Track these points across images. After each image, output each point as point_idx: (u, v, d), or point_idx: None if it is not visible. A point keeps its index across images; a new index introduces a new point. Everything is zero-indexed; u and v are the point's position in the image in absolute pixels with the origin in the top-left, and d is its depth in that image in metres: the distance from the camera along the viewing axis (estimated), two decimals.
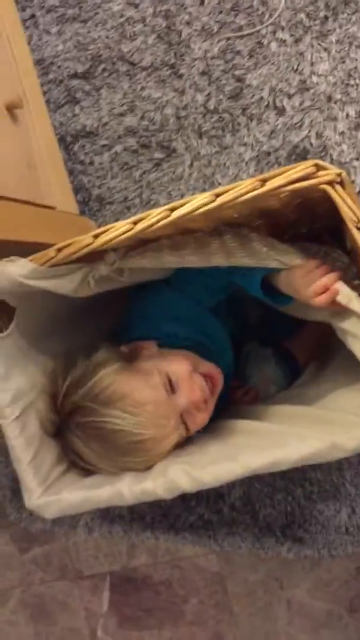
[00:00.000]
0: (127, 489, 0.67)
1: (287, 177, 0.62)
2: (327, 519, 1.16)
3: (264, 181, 0.63)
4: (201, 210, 0.64)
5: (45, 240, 1.00)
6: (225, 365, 0.87)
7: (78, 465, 0.77)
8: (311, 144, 1.12)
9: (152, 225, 0.66)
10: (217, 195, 0.64)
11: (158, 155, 1.19)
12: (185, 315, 0.88)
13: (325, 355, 0.99)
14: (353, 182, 1.10)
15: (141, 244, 0.79)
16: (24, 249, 0.91)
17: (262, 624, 1.23)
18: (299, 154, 1.12)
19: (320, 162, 0.62)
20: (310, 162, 0.62)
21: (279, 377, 1.01)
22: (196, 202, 0.64)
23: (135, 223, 0.67)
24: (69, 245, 0.69)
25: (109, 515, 1.24)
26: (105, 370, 0.78)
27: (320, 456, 0.62)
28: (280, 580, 1.22)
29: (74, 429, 0.76)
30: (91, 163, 1.23)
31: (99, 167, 1.23)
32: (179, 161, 1.19)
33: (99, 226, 1.21)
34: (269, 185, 0.63)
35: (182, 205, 0.65)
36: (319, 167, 0.62)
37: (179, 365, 0.81)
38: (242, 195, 0.63)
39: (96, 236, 0.68)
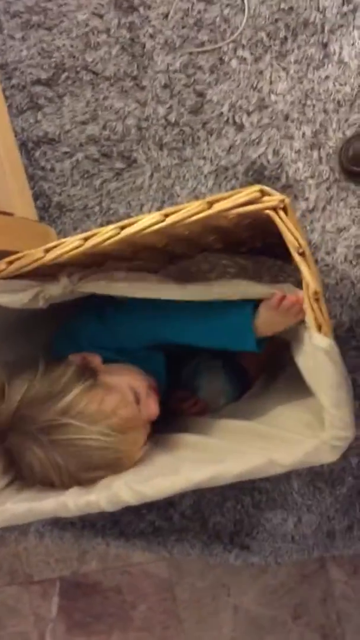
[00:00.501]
0: (71, 501, 0.68)
1: (233, 201, 0.64)
2: (274, 527, 1.19)
3: (211, 203, 0.65)
4: (150, 229, 0.66)
5: (1, 247, 1.01)
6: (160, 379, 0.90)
7: (29, 479, 0.77)
8: (268, 161, 1.14)
9: (102, 242, 0.67)
10: (167, 215, 0.66)
11: (119, 165, 1.20)
12: (111, 346, 0.88)
13: (276, 369, 1.01)
14: (307, 199, 1.13)
15: (97, 259, 0.80)
16: None
17: (209, 630, 1.26)
18: (256, 170, 1.15)
19: (265, 188, 0.64)
20: (255, 188, 0.64)
21: (229, 390, 1.03)
22: (146, 222, 0.66)
23: (86, 239, 0.68)
24: (19, 258, 0.70)
25: (60, 521, 1.24)
26: (80, 387, 0.77)
27: (258, 472, 0.64)
28: (228, 587, 1.25)
29: (45, 444, 0.74)
30: (52, 170, 1.23)
31: (59, 174, 1.23)
32: (139, 171, 1.20)
33: (58, 233, 1.22)
34: (216, 207, 0.65)
35: (132, 224, 0.67)
36: (264, 193, 0.64)
37: (138, 381, 0.84)
38: (190, 216, 0.65)
39: (47, 250, 0.69)
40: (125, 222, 0.67)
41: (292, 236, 0.63)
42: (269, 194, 0.64)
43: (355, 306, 1.12)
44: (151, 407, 0.82)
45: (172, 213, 0.66)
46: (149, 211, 1.19)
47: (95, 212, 1.22)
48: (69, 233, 1.23)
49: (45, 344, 0.91)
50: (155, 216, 0.66)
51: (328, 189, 1.12)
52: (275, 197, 0.63)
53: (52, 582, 1.32)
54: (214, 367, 1.01)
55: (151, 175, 1.20)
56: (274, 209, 0.63)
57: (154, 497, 0.67)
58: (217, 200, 0.65)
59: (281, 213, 0.63)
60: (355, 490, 1.15)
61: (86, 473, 0.75)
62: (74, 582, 1.31)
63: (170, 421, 0.90)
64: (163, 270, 0.95)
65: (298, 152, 1.13)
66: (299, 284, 1.06)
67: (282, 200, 0.63)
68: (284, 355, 0.89)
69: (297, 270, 1.07)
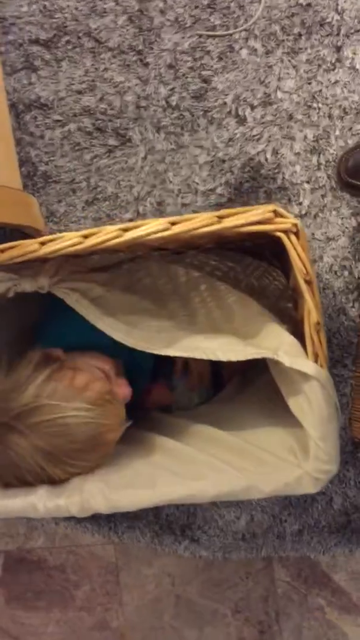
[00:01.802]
0: (41, 503, 0.66)
1: (245, 218, 0.62)
2: (226, 523, 1.20)
3: (221, 218, 0.63)
4: (155, 236, 0.63)
5: None
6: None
7: (2, 477, 0.74)
8: (266, 159, 1.12)
9: (103, 242, 0.64)
10: (173, 224, 0.63)
11: (112, 141, 1.16)
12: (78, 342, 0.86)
13: (252, 372, 1.00)
14: (301, 203, 1.12)
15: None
16: None
17: (150, 616, 1.27)
18: (253, 167, 1.12)
19: (279, 209, 0.62)
20: (270, 207, 0.62)
21: (202, 389, 1.02)
22: (151, 228, 0.63)
23: (85, 237, 0.65)
24: (12, 247, 0.66)
25: None
26: (47, 372, 0.76)
27: (235, 495, 0.64)
28: (173, 577, 1.26)
29: (24, 431, 0.72)
30: (41, 137, 1.18)
31: (49, 142, 1.18)
32: (132, 151, 1.16)
33: (41, 204, 1.17)
34: (226, 223, 0.63)
35: (136, 228, 0.64)
36: (277, 214, 0.62)
37: (105, 362, 0.82)
38: (198, 228, 0.63)
39: (43, 243, 0.65)
40: (129, 224, 0.64)
41: (300, 262, 0.61)
42: (282, 215, 0.62)
43: (334, 317, 1.12)
44: (123, 387, 0.82)
45: (180, 222, 0.63)
46: (138, 193, 1.16)
47: (82, 188, 1.17)
48: (52, 205, 1.18)
49: (9, 342, 0.87)
50: (161, 223, 0.63)
51: (323, 196, 1.11)
52: (288, 220, 0.61)
53: None
54: None
55: (144, 157, 1.16)
56: (286, 231, 0.61)
57: (127, 508, 0.65)
58: (228, 216, 0.62)
59: (292, 237, 0.62)
60: (310, 496, 1.17)
61: (72, 455, 0.73)
62: (18, 557, 1.30)
63: (143, 418, 0.89)
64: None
65: (297, 154, 1.11)
66: (283, 288, 1.06)
67: (295, 225, 0.61)
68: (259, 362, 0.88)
69: (281, 275, 1.07)
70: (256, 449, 0.71)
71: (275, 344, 0.66)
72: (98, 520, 1.22)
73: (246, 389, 0.98)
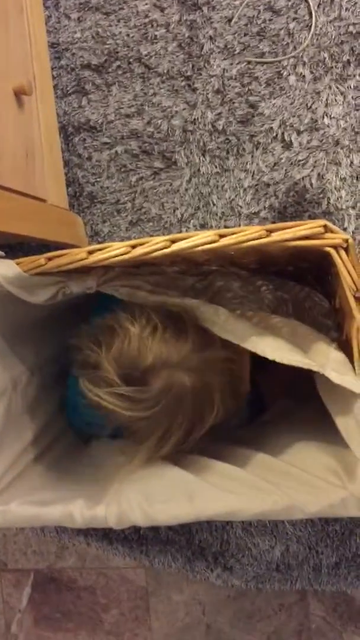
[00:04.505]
0: (78, 511, 0.65)
1: (294, 232, 0.62)
2: (260, 553, 1.17)
3: (270, 231, 0.63)
4: (202, 247, 0.63)
5: (29, 233, 0.98)
6: None
7: None
8: (311, 184, 1.12)
9: (150, 252, 0.64)
10: (221, 236, 0.63)
11: (158, 164, 1.18)
12: None
13: (299, 398, 0.98)
14: (345, 229, 1.11)
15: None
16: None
17: None
18: (297, 192, 1.12)
19: (329, 224, 0.62)
20: (320, 222, 0.61)
21: (243, 410, 1.01)
22: (199, 239, 0.63)
23: (133, 247, 0.65)
24: (60, 256, 0.67)
25: None
26: None
27: (277, 514, 0.62)
28: (204, 605, 1.23)
29: None
30: (89, 158, 1.20)
31: (96, 163, 1.20)
32: (177, 174, 1.17)
33: (86, 224, 1.19)
34: (275, 237, 0.62)
35: (183, 239, 0.64)
36: (327, 229, 0.62)
37: None
38: (246, 241, 0.62)
39: (91, 252, 0.66)
40: (177, 235, 0.64)
41: (350, 279, 0.61)
42: (332, 231, 0.61)
43: None
44: None
45: (228, 235, 0.63)
46: (182, 215, 1.17)
47: (126, 209, 1.19)
48: (96, 225, 1.20)
49: (62, 342, 0.88)
50: (209, 235, 0.63)
51: None
52: (338, 235, 0.61)
53: (26, 572, 1.30)
54: None
55: (189, 180, 1.17)
56: (336, 247, 0.61)
57: (165, 523, 0.64)
58: (277, 229, 0.62)
59: (342, 253, 0.61)
60: (348, 529, 1.13)
61: None
62: (48, 576, 1.29)
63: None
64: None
65: (343, 179, 1.11)
66: (325, 313, 1.04)
67: (346, 240, 0.61)
68: (308, 383, 0.86)
69: (324, 299, 1.06)
70: (300, 472, 0.70)
71: (322, 360, 0.65)
72: (130, 542, 1.21)
73: (292, 417, 0.96)
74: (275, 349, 0.65)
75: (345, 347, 0.72)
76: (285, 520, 1.16)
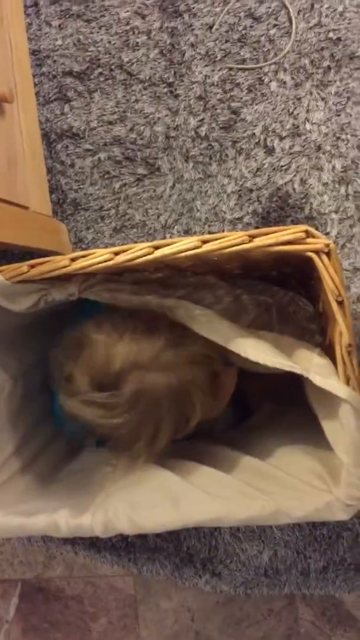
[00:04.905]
0: (63, 521, 0.65)
1: (276, 238, 0.62)
2: (248, 558, 1.17)
3: (252, 237, 0.63)
4: (186, 254, 0.63)
5: (12, 240, 0.97)
6: None
7: None
8: (294, 189, 1.12)
9: (133, 259, 0.64)
10: (204, 242, 0.63)
11: (141, 170, 1.18)
12: None
13: (286, 402, 0.98)
14: (328, 233, 1.12)
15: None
16: None
17: None
18: (280, 197, 1.13)
19: (311, 229, 0.62)
20: (301, 227, 0.62)
21: (228, 413, 1.01)
22: (182, 245, 0.63)
23: (116, 254, 0.65)
24: (43, 263, 0.67)
25: None
26: None
27: (264, 519, 0.62)
28: (193, 612, 1.22)
29: None
30: (72, 165, 1.20)
31: (79, 170, 1.20)
32: (161, 180, 1.17)
33: (69, 230, 1.19)
34: (257, 242, 0.62)
35: (167, 245, 0.64)
36: (308, 234, 0.62)
37: None
38: (229, 247, 0.63)
39: (74, 259, 0.66)
40: (160, 242, 0.64)
41: (332, 283, 0.61)
42: (314, 236, 0.62)
43: None
44: None
45: (211, 240, 0.63)
46: (166, 221, 1.17)
47: (110, 215, 1.19)
48: (80, 232, 1.20)
49: (45, 348, 0.87)
50: (192, 241, 0.63)
51: (351, 226, 1.11)
52: (320, 240, 0.61)
53: (13, 583, 1.29)
54: None
55: (173, 186, 1.17)
56: (318, 252, 0.61)
57: (152, 531, 0.64)
58: (259, 235, 0.62)
59: (324, 257, 0.61)
60: (336, 532, 1.13)
61: None
62: (36, 586, 1.27)
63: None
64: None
65: (325, 184, 1.12)
66: (309, 317, 1.05)
67: (328, 245, 0.61)
68: (295, 388, 0.86)
69: (308, 304, 1.06)
70: (286, 476, 0.70)
71: (306, 364, 0.65)
72: (118, 550, 1.20)
73: (278, 421, 0.96)
74: (259, 351, 0.65)
75: (328, 351, 0.72)
76: (273, 525, 1.16)
